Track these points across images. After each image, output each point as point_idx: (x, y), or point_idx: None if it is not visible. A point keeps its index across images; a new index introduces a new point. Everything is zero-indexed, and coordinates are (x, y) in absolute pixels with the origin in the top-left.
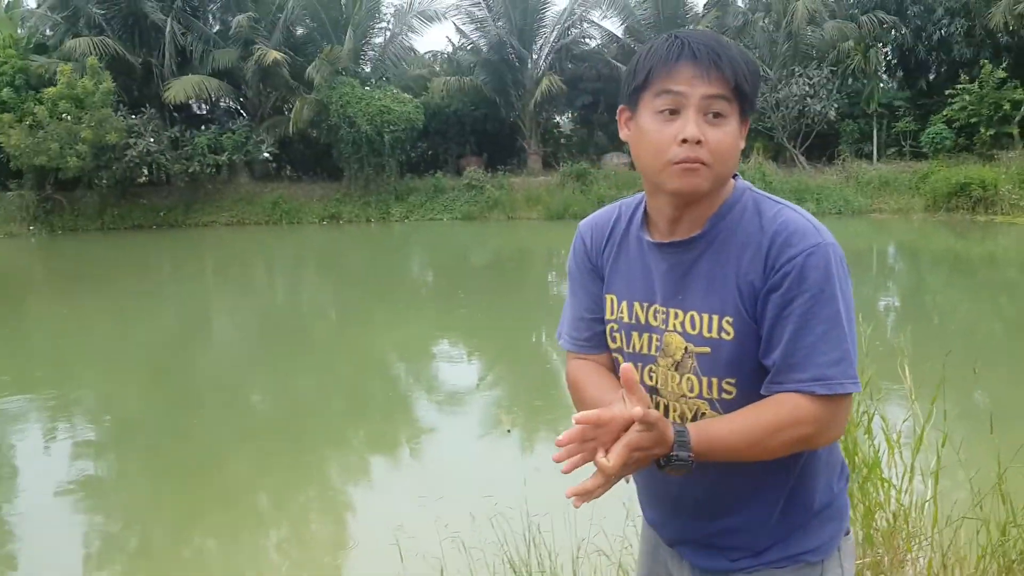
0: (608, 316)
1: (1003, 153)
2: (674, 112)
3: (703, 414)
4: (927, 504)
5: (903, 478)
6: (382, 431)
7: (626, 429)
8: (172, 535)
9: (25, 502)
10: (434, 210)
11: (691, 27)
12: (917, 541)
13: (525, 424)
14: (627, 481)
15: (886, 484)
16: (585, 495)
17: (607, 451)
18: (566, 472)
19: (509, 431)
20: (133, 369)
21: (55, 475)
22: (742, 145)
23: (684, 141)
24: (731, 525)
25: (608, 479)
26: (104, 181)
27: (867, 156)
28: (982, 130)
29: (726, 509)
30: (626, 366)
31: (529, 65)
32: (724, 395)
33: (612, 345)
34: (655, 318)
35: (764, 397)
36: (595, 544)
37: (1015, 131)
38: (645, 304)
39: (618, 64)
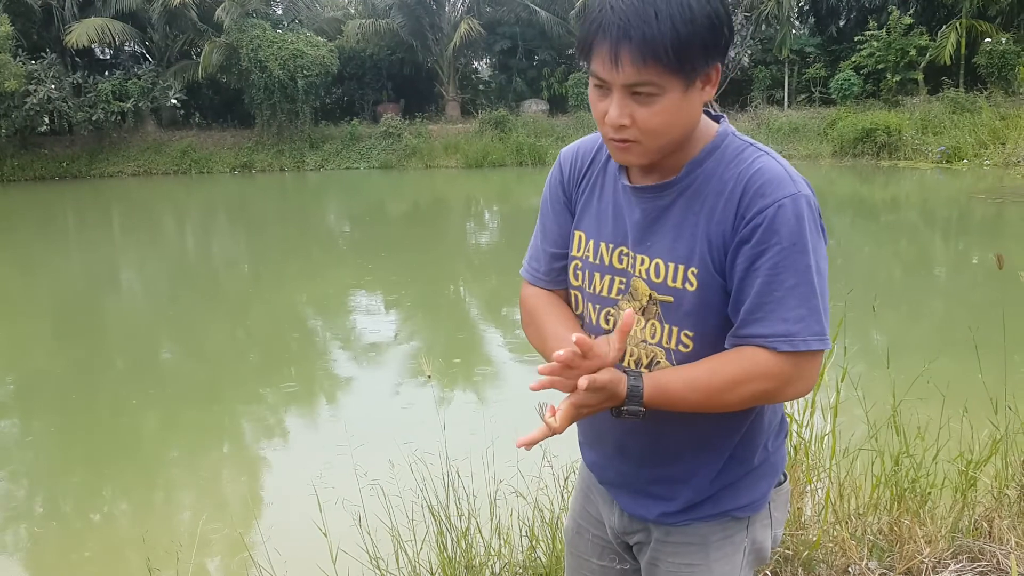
0: (574, 252)
1: (908, 99)
2: (605, 89)
3: (658, 362)
4: (826, 437)
5: (803, 413)
6: (299, 384)
7: (603, 366)
8: (81, 497)
9: None
10: (350, 158)
11: None
12: (816, 473)
13: (445, 372)
14: (544, 422)
15: (788, 419)
16: (532, 443)
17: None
18: (534, 389)
19: (429, 377)
20: (37, 325)
21: None
22: (702, 100)
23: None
24: (671, 475)
25: (553, 432)
26: (3, 130)
27: (778, 103)
28: (888, 76)
29: (669, 459)
30: (629, 312)
31: (447, 8)
32: (681, 347)
33: (573, 282)
34: (620, 260)
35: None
36: (512, 485)
37: (920, 77)
38: (611, 246)
39: (537, 8)
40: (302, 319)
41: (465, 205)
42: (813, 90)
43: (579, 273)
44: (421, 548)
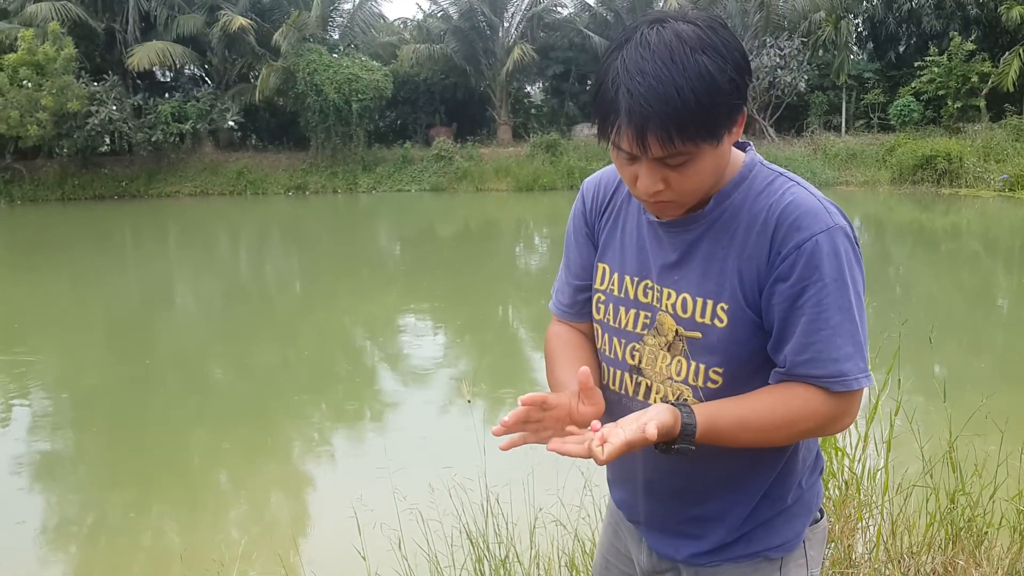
0: (597, 286)
1: (969, 126)
2: (631, 157)
3: (685, 400)
4: (879, 473)
5: (856, 447)
6: (344, 405)
7: (570, 419)
8: (130, 513)
9: None
10: (402, 181)
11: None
12: (868, 509)
13: (487, 396)
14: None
15: (840, 453)
16: (568, 454)
17: (602, 442)
18: (503, 449)
19: (469, 401)
20: (93, 342)
21: (11, 451)
22: (731, 144)
23: None
24: (702, 514)
25: (597, 462)
26: (65, 150)
27: (835, 128)
28: (949, 103)
29: (700, 498)
30: (584, 370)
31: (500, 33)
32: (710, 384)
33: (596, 316)
34: (645, 295)
35: (755, 386)
36: (552, 514)
37: (982, 104)
38: (636, 279)
39: (590, 34)
40: (350, 340)
41: (515, 228)
42: (871, 116)
43: (601, 307)
44: (459, 575)
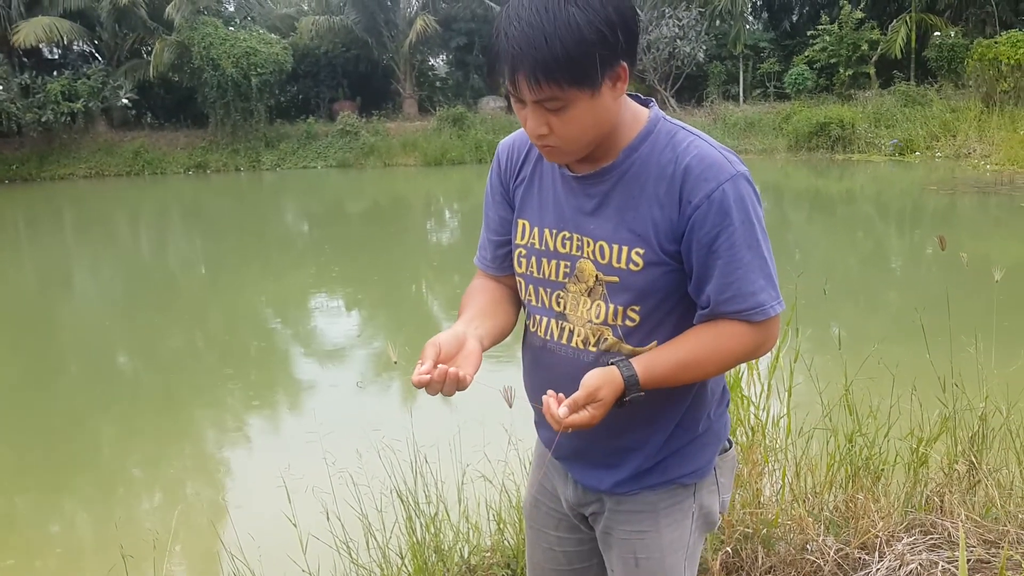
0: (518, 240)
1: (860, 93)
2: (520, 102)
3: (605, 339)
4: (782, 419)
5: (760, 396)
6: (262, 384)
7: (458, 348)
8: (38, 505)
9: None
10: (307, 157)
11: None
12: (774, 453)
13: (409, 366)
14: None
15: (745, 401)
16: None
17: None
18: (420, 383)
19: (395, 362)
20: None
21: None
22: (615, 97)
23: None
24: (622, 445)
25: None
26: None
27: (734, 98)
28: (841, 71)
29: (622, 432)
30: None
31: (401, 4)
32: (628, 322)
33: (518, 269)
34: (564, 245)
35: (669, 324)
36: (479, 470)
37: (872, 71)
38: (555, 231)
39: (492, 4)
40: (262, 321)
41: (425, 203)
42: (768, 85)
43: (523, 260)
44: (391, 535)
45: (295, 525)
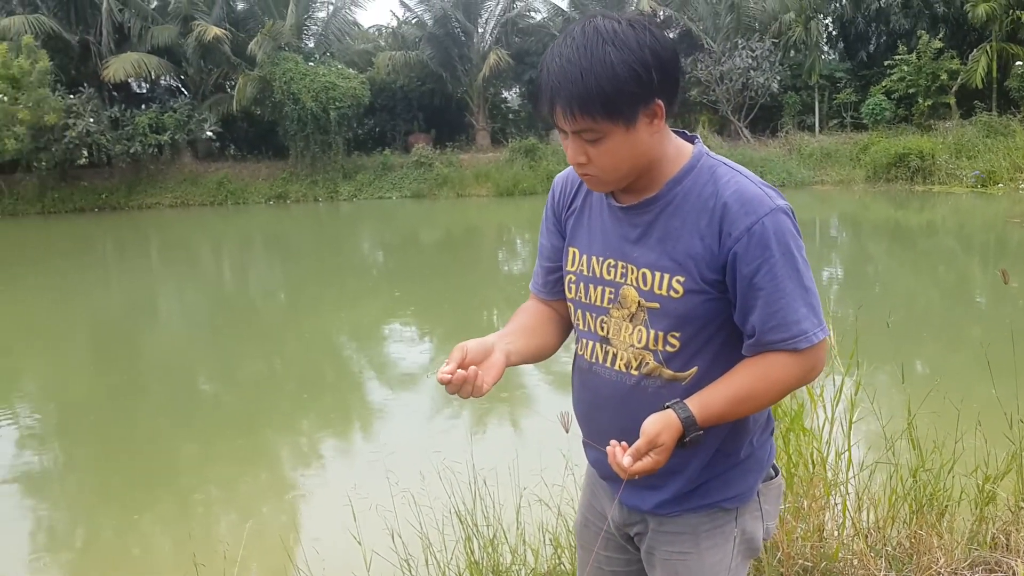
0: (568, 267)
1: (940, 123)
2: (563, 131)
3: (647, 363)
4: (844, 453)
5: (822, 429)
6: (334, 409)
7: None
8: (120, 525)
9: None
10: (382, 188)
11: (635, 0)
12: (836, 487)
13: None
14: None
15: (807, 434)
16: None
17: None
18: (442, 380)
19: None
20: (77, 355)
21: None
22: (652, 133)
23: None
24: (665, 467)
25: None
26: (43, 163)
27: (809, 128)
28: (920, 100)
29: None
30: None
31: (475, 39)
32: (668, 348)
33: (568, 295)
34: (609, 272)
35: (709, 350)
36: (536, 494)
37: (952, 101)
38: (601, 259)
39: None
40: (336, 347)
41: (497, 233)
42: (844, 115)
43: (572, 286)
44: (452, 556)
45: (359, 543)
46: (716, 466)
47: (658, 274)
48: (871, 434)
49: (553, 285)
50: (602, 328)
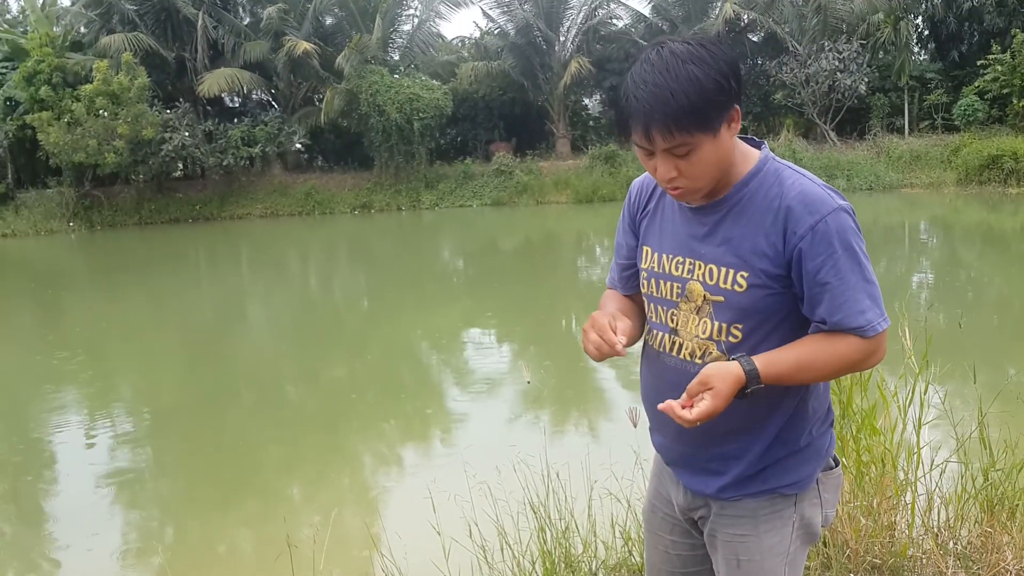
0: (642, 264)
1: None
2: (649, 153)
3: (711, 353)
4: (915, 452)
5: (893, 429)
6: (415, 415)
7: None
8: (207, 527)
9: (65, 495)
10: (464, 197)
11: (718, 5)
12: (906, 486)
13: (552, 392)
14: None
15: (878, 434)
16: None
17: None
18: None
19: (529, 382)
20: (170, 361)
21: (94, 467)
22: (733, 135)
23: None
24: (725, 452)
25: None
26: (141, 176)
27: (898, 130)
28: (1015, 101)
29: (723, 439)
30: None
31: (556, 48)
32: (731, 338)
33: (643, 289)
34: (677, 268)
35: (771, 342)
36: (606, 487)
37: None
38: (671, 256)
39: (646, 44)
40: (417, 352)
41: (576, 240)
42: (935, 117)
43: (646, 282)
44: (526, 546)
45: (439, 533)
46: (776, 453)
47: (723, 269)
48: (943, 434)
49: (628, 280)
50: (672, 320)
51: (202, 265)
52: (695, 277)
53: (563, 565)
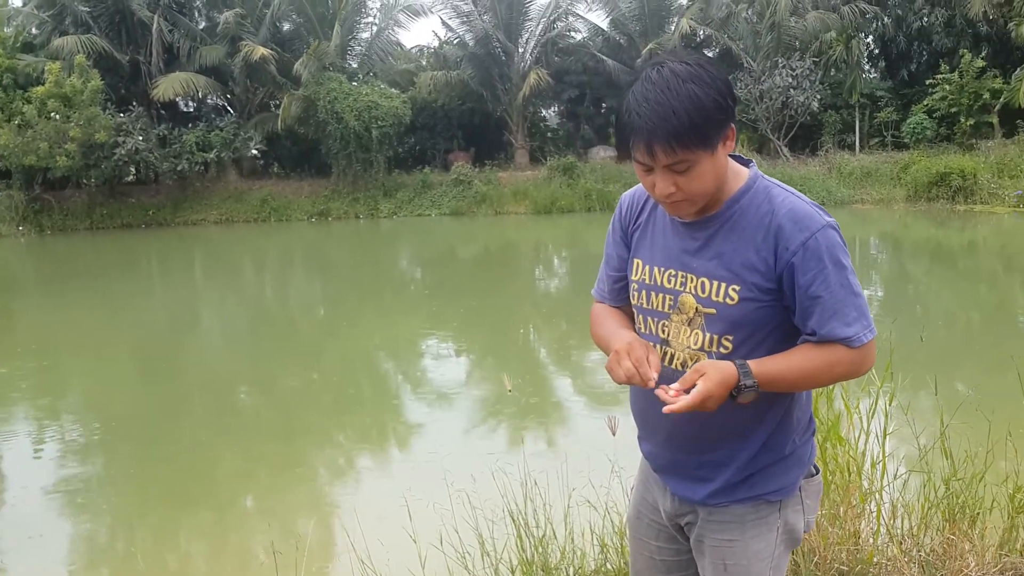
0: (633, 277)
1: (983, 142)
2: (648, 168)
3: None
4: (880, 463)
5: (858, 439)
6: (373, 424)
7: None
8: (160, 538)
9: (13, 504)
10: (422, 206)
11: (675, 20)
12: (871, 495)
13: (521, 397)
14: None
15: (844, 444)
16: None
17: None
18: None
19: (510, 391)
20: (122, 369)
21: (43, 477)
22: (728, 152)
23: None
24: (713, 459)
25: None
26: (93, 180)
27: (849, 147)
28: (962, 120)
29: (711, 446)
30: (660, 390)
31: (515, 59)
32: (722, 349)
33: (633, 301)
34: (670, 281)
35: (758, 352)
36: (583, 495)
37: (994, 120)
38: (663, 269)
39: (604, 57)
40: (376, 363)
41: (534, 250)
42: (885, 134)
43: (636, 293)
44: (503, 552)
45: (415, 541)
46: (762, 460)
47: (716, 283)
48: (905, 444)
49: (618, 292)
50: (663, 331)
51: (155, 272)
52: (687, 290)
53: (541, 572)
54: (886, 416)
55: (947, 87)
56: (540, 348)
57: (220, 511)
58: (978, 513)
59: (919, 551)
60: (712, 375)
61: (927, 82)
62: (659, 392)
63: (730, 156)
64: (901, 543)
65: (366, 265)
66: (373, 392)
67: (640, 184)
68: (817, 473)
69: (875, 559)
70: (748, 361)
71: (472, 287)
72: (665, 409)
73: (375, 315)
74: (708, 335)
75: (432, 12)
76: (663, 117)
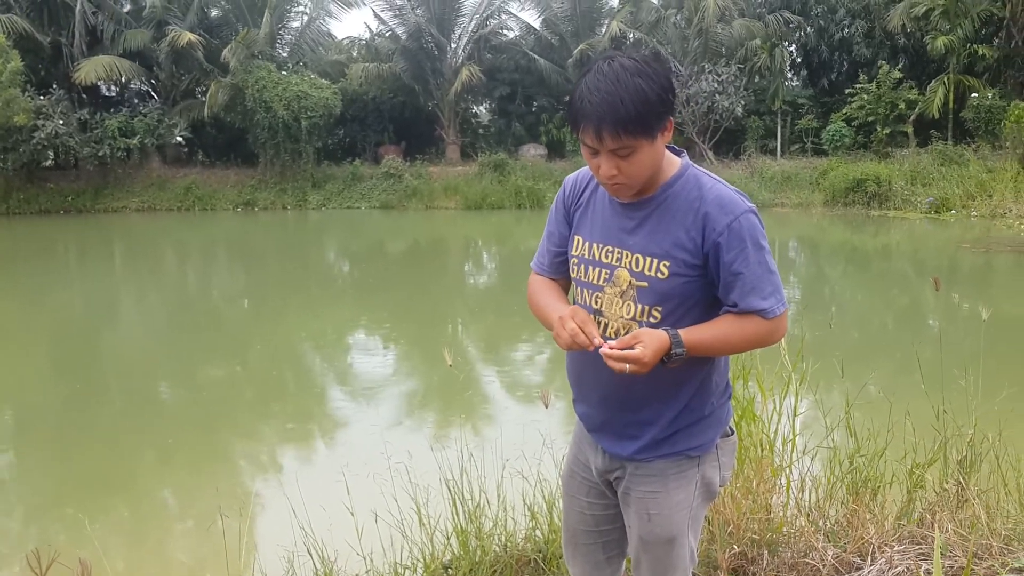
0: (573, 252)
1: (898, 151)
2: (594, 151)
3: (632, 332)
4: (790, 440)
5: (771, 418)
6: (297, 413)
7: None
8: (75, 533)
9: None
10: (351, 198)
11: (605, 23)
12: (781, 470)
13: (461, 372)
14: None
15: (758, 422)
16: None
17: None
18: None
19: (451, 365)
20: (36, 358)
21: None
22: (665, 142)
23: None
24: (641, 418)
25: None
26: (9, 164)
27: (771, 152)
28: (879, 129)
29: (640, 405)
30: (604, 349)
31: (448, 54)
32: (651, 319)
33: (572, 274)
34: (607, 256)
35: (684, 322)
36: (516, 467)
37: (909, 130)
38: (600, 245)
39: (536, 56)
40: (301, 355)
41: (464, 246)
42: (805, 140)
43: (575, 267)
44: (439, 520)
45: (353, 514)
46: (684, 420)
47: (648, 259)
48: (814, 424)
49: (558, 266)
50: (596, 302)
51: (73, 259)
52: (623, 265)
53: (475, 539)
54: (796, 397)
55: (865, 97)
56: (472, 338)
57: (138, 500)
58: (879, 487)
59: (825, 521)
60: (649, 342)
61: (846, 91)
62: (602, 346)
63: (666, 146)
64: (808, 514)
65: (294, 257)
66: (299, 382)
67: (584, 168)
68: (732, 434)
69: (784, 529)
70: (678, 331)
71: (402, 281)
72: (602, 350)
73: (302, 308)
74: (640, 306)
75: (364, 3)
76: (612, 106)
